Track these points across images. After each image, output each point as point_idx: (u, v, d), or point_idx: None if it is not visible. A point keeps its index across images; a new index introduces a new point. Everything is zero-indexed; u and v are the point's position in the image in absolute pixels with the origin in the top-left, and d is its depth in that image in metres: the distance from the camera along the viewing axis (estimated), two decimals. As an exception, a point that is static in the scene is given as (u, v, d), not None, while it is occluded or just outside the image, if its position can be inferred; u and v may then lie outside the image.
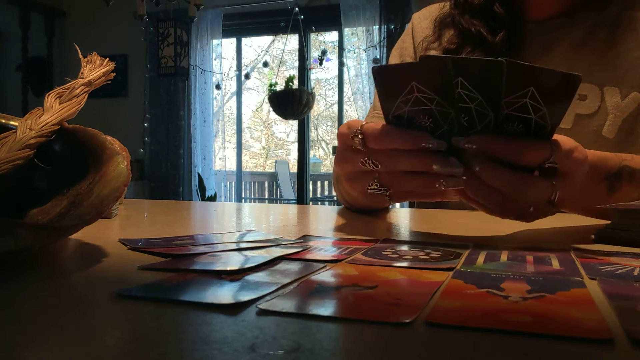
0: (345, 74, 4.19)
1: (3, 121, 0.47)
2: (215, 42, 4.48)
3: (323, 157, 8.78)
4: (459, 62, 0.41)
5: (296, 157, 4.54)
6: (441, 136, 0.44)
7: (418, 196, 0.48)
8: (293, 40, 4.56)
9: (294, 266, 0.34)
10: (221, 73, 4.69)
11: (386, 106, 0.45)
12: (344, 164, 0.50)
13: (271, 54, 6.78)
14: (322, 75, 7.96)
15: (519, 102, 0.40)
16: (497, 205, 0.46)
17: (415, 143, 0.43)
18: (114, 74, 0.48)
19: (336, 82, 5.40)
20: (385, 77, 0.44)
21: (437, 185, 0.44)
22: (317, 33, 4.59)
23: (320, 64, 4.17)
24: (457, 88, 0.40)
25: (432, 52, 0.83)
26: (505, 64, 0.38)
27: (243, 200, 5.92)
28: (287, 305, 0.25)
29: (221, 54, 4.67)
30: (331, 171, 0.54)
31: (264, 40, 7.02)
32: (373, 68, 0.44)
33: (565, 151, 0.44)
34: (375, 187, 0.47)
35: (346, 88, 4.52)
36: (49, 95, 0.43)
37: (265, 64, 4.61)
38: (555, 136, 0.45)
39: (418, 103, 0.43)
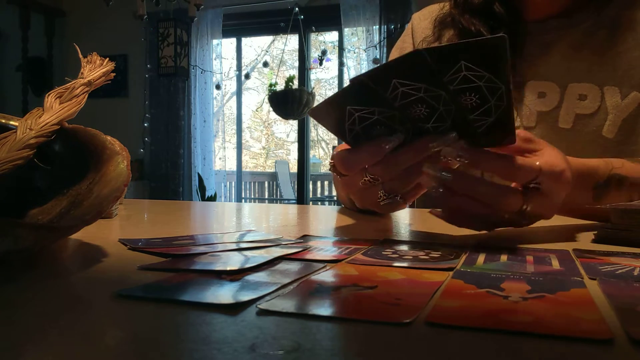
0: (345, 74, 4.19)
1: (3, 121, 0.47)
2: (215, 42, 4.48)
3: (323, 157, 8.77)
4: (382, 70, 0.41)
5: (296, 157, 4.54)
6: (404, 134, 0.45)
7: (416, 191, 0.49)
8: (293, 40, 4.56)
9: (294, 266, 0.34)
10: (221, 73, 4.69)
11: (340, 135, 0.46)
12: (347, 187, 0.50)
13: (271, 54, 6.79)
14: (322, 75, 7.95)
15: (458, 76, 0.40)
16: (475, 215, 0.46)
17: (378, 150, 0.44)
18: (114, 74, 0.48)
19: (336, 82, 5.40)
20: (321, 115, 0.45)
21: (442, 159, 0.43)
22: (317, 33, 4.59)
23: (320, 64, 4.17)
24: (397, 89, 0.40)
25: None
26: (425, 51, 0.38)
27: (243, 200, 5.92)
28: (287, 305, 0.25)
29: (221, 54, 4.67)
30: (331, 171, 0.55)
31: (264, 40, 7.03)
32: (309, 112, 0.45)
33: (552, 174, 0.45)
34: (385, 197, 0.47)
35: (346, 88, 4.51)
36: (49, 95, 0.43)
37: (265, 64, 4.61)
38: (547, 155, 0.46)
39: (363, 120, 0.44)
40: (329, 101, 0.44)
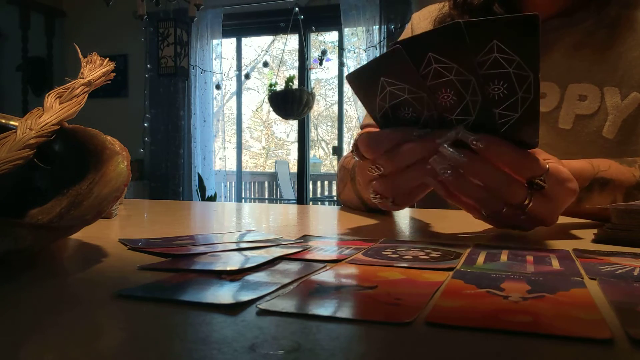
0: (345, 74, 4.19)
1: (3, 121, 0.47)
2: (215, 42, 4.48)
3: (323, 157, 8.77)
4: (422, 39, 0.41)
5: (296, 157, 4.54)
6: (426, 122, 0.45)
7: (417, 191, 0.49)
8: (293, 40, 4.56)
9: (294, 266, 0.34)
10: (221, 73, 4.69)
11: (370, 109, 0.46)
12: (359, 175, 0.52)
13: (271, 54, 6.78)
14: (322, 75, 7.95)
15: (489, 58, 0.40)
16: (479, 201, 0.47)
17: (404, 138, 0.45)
18: (114, 74, 0.48)
19: (336, 82, 5.40)
20: (357, 82, 0.46)
21: (430, 163, 0.44)
22: (317, 33, 4.59)
23: (320, 64, 4.17)
24: (430, 65, 0.41)
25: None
26: (463, 24, 0.39)
27: (243, 200, 5.92)
28: (287, 305, 0.25)
29: (221, 54, 4.67)
30: (331, 171, 0.55)
31: (264, 40, 7.02)
32: (347, 76, 0.46)
33: (560, 178, 0.46)
34: (373, 196, 0.48)
35: (346, 88, 4.52)
36: (49, 95, 0.43)
37: (265, 64, 4.61)
38: (558, 165, 0.47)
39: (393, 96, 0.44)
40: (367, 67, 0.44)
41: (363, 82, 0.46)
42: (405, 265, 0.34)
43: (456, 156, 0.43)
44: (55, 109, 0.42)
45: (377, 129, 0.49)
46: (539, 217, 0.47)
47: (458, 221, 0.63)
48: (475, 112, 0.43)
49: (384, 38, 3.85)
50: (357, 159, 0.49)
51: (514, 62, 0.39)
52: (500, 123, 0.43)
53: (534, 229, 0.50)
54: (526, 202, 0.45)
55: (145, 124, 4.42)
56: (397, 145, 0.45)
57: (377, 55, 3.64)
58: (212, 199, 4.36)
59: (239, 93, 4.93)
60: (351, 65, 4.08)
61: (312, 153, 7.29)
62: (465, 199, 0.48)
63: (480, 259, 0.36)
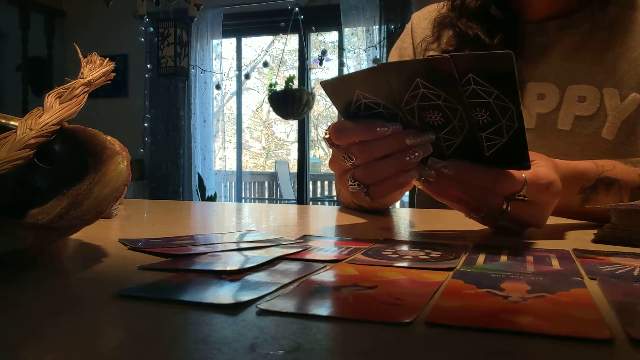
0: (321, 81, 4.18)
1: (3, 121, 0.47)
2: (215, 42, 4.48)
3: (323, 157, 8.77)
4: (410, 65, 0.42)
5: (296, 157, 4.54)
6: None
7: (393, 186, 0.48)
8: (293, 40, 4.56)
9: (294, 266, 0.34)
10: (221, 73, 4.68)
11: (345, 114, 0.47)
12: (331, 164, 0.52)
13: (271, 54, 6.79)
14: (322, 75, 7.95)
15: (467, 89, 0.40)
16: (458, 206, 0.48)
17: (372, 130, 0.45)
18: (114, 74, 0.48)
19: (336, 82, 5.39)
20: (332, 89, 0.46)
21: (408, 159, 0.45)
22: (317, 33, 4.59)
23: (320, 64, 4.16)
24: (418, 89, 0.41)
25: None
26: (451, 59, 0.39)
27: (243, 200, 5.92)
28: (287, 305, 0.25)
29: (221, 54, 4.67)
30: (331, 171, 0.55)
31: (264, 40, 7.02)
32: (321, 82, 0.46)
33: (540, 185, 0.46)
34: (351, 183, 0.48)
35: (346, 88, 4.51)
36: (49, 95, 0.43)
37: (265, 64, 4.61)
38: (537, 166, 0.47)
39: (368, 108, 0.45)
40: (342, 78, 0.45)
41: (338, 90, 0.46)
42: (405, 265, 0.34)
43: (428, 172, 0.45)
44: (55, 109, 0.42)
45: None
46: (523, 220, 0.47)
47: (458, 221, 0.63)
48: (462, 134, 0.43)
49: (384, 38, 3.84)
50: (328, 146, 0.50)
51: (493, 94, 0.40)
52: (487, 146, 0.43)
53: (525, 231, 0.50)
54: (504, 207, 0.46)
55: (145, 124, 4.42)
56: (369, 136, 0.46)
57: (377, 55, 3.62)
58: (212, 199, 4.36)
59: (239, 93, 4.93)
60: (351, 65, 4.08)
61: (312, 153, 7.29)
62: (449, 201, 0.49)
63: (480, 259, 0.36)
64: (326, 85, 0.46)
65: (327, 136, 0.49)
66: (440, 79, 0.40)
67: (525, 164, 0.44)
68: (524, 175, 0.45)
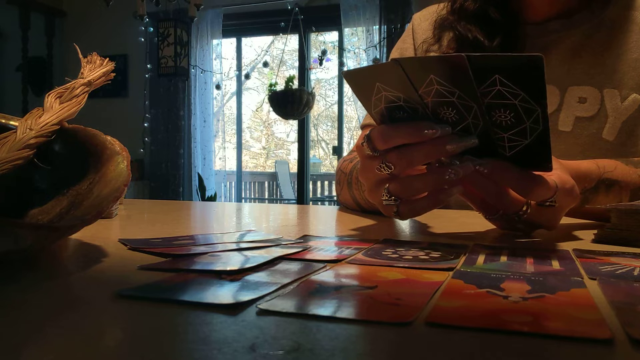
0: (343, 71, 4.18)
1: (3, 121, 0.47)
2: (215, 42, 4.48)
3: (323, 157, 8.77)
4: (424, 62, 0.42)
5: (296, 157, 4.54)
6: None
7: (433, 202, 0.47)
8: (293, 40, 4.56)
9: (294, 266, 0.34)
10: (221, 73, 4.68)
11: (366, 105, 0.46)
12: (365, 173, 0.50)
13: (271, 54, 6.79)
14: (322, 75, 7.94)
15: (492, 90, 0.39)
16: (490, 196, 0.46)
17: (419, 131, 0.43)
18: (114, 74, 0.48)
19: (336, 82, 5.41)
20: (353, 80, 0.46)
21: (447, 177, 0.43)
22: (317, 33, 4.59)
23: (320, 64, 4.16)
24: (432, 85, 0.41)
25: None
26: (465, 57, 0.38)
27: (243, 200, 5.92)
28: (287, 305, 0.25)
29: (221, 54, 4.67)
30: (331, 171, 0.54)
31: (264, 40, 7.03)
32: (343, 73, 0.45)
33: (566, 189, 0.46)
34: (387, 198, 0.47)
35: (346, 88, 4.52)
36: (49, 95, 0.43)
37: (265, 64, 4.61)
38: (561, 174, 0.46)
39: (388, 100, 0.44)
40: (362, 70, 0.45)
41: (359, 81, 0.46)
42: (405, 265, 0.34)
43: (457, 170, 0.43)
44: (55, 109, 0.42)
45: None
46: (538, 222, 0.47)
47: (458, 221, 0.63)
48: (477, 132, 0.43)
49: (384, 38, 3.84)
50: (369, 152, 0.47)
51: (519, 95, 0.39)
52: (509, 146, 0.43)
53: (535, 231, 0.50)
54: (524, 209, 0.45)
55: (145, 124, 4.42)
56: (417, 139, 0.44)
57: (377, 55, 3.62)
58: (212, 199, 4.36)
59: (239, 93, 4.93)
60: (351, 65, 4.08)
61: (312, 153, 7.30)
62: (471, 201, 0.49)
63: (480, 259, 0.36)
64: (347, 75, 0.45)
65: (362, 143, 0.47)
66: (455, 77, 0.40)
67: (548, 166, 0.44)
68: (555, 181, 0.44)
